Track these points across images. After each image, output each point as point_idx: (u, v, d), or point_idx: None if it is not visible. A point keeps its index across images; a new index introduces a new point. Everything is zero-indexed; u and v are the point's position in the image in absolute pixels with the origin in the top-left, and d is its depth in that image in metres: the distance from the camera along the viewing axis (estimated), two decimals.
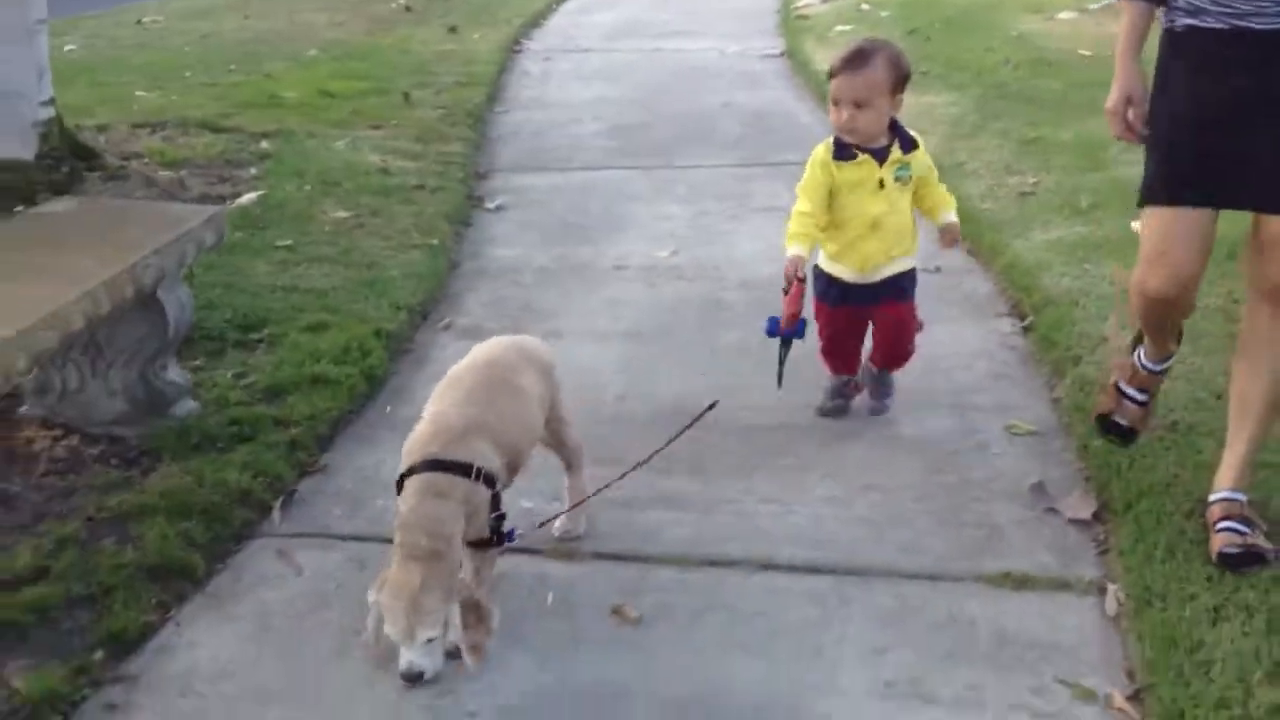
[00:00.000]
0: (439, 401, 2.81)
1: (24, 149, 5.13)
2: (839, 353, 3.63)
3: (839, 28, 10.23)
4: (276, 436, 3.48)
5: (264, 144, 6.31)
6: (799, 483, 3.36)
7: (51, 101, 5.28)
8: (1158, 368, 3.26)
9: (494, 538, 2.68)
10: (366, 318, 4.29)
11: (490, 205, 5.91)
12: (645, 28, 11.16)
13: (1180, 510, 3.04)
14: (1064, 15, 9.61)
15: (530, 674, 2.60)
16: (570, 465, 3.12)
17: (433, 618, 2.46)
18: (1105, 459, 3.35)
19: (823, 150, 3.41)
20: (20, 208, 4.89)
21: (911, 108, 7.12)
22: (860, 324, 3.58)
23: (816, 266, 3.50)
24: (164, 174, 5.62)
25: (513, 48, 10.09)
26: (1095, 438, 3.41)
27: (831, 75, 3.37)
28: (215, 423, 3.53)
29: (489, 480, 2.65)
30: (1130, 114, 2.87)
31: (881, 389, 3.71)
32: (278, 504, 3.23)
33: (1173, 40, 2.80)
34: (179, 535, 2.97)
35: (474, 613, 2.51)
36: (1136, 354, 3.27)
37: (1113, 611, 2.80)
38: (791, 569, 2.99)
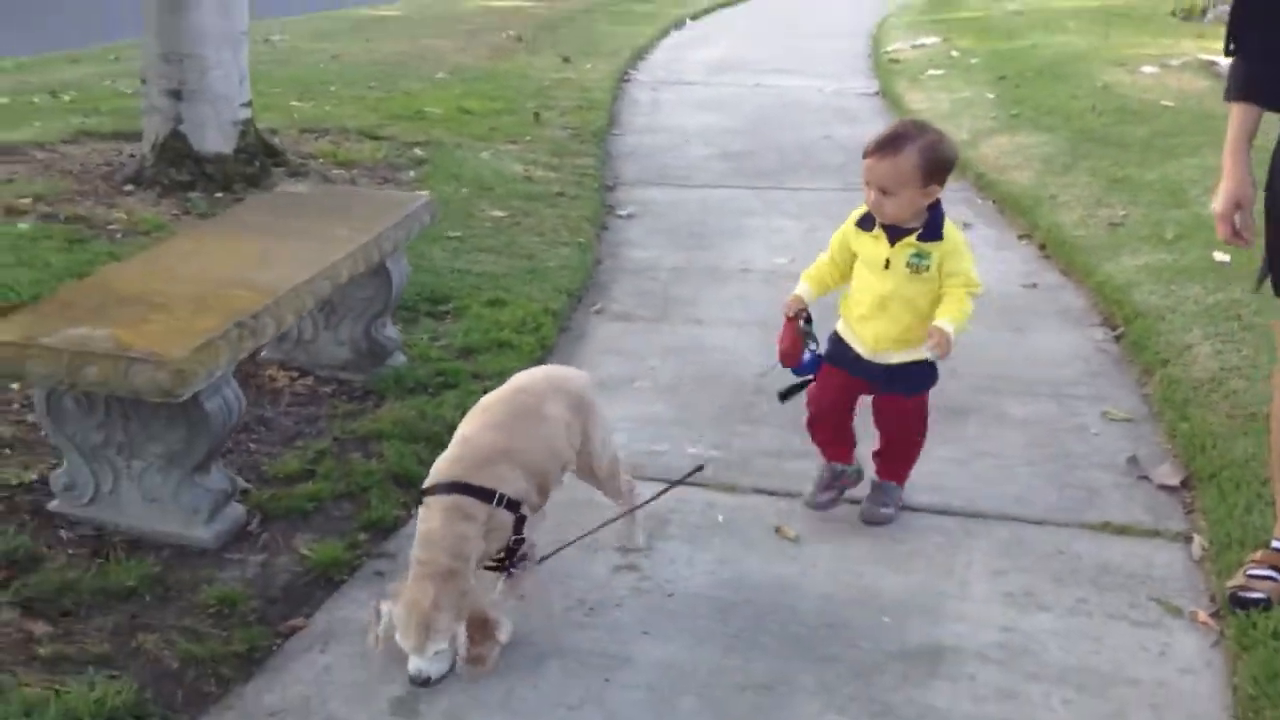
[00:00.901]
0: (467, 425, 2.90)
1: (225, 145, 5.81)
2: (826, 426, 3.42)
3: (931, 71, 10.81)
4: (474, 386, 4.08)
5: (417, 151, 6.98)
6: (926, 456, 3.90)
7: (249, 104, 5.96)
8: None
9: (507, 561, 2.82)
10: (534, 298, 4.91)
11: (622, 213, 6.53)
12: (745, 64, 11.80)
13: (1258, 479, 3.55)
14: (1147, 69, 10.11)
15: (712, 569, 3.18)
16: (611, 495, 3.18)
17: (442, 634, 2.60)
18: (1190, 440, 3.87)
19: (853, 213, 3.29)
20: (220, 194, 5.60)
21: (1005, 147, 7.84)
22: (854, 398, 3.40)
23: (834, 330, 3.38)
24: (337, 172, 6.29)
25: (622, 78, 10.76)
26: (1182, 422, 3.94)
27: (865, 155, 3.15)
28: (423, 373, 4.15)
29: (512, 506, 2.75)
30: (1238, 219, 2.78)
31: (883, 496, 3.47)
32: None
33: None
34: (412, 454, 3.57)
35: (481, 628, 2.65)
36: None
37: (1198, 555, 3.32)
38: (921, 510, 3.54)
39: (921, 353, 3.22)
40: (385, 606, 2.64)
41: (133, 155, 6.24)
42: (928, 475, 3.72)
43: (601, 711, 2.64)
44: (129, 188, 5.71)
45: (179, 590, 2.85)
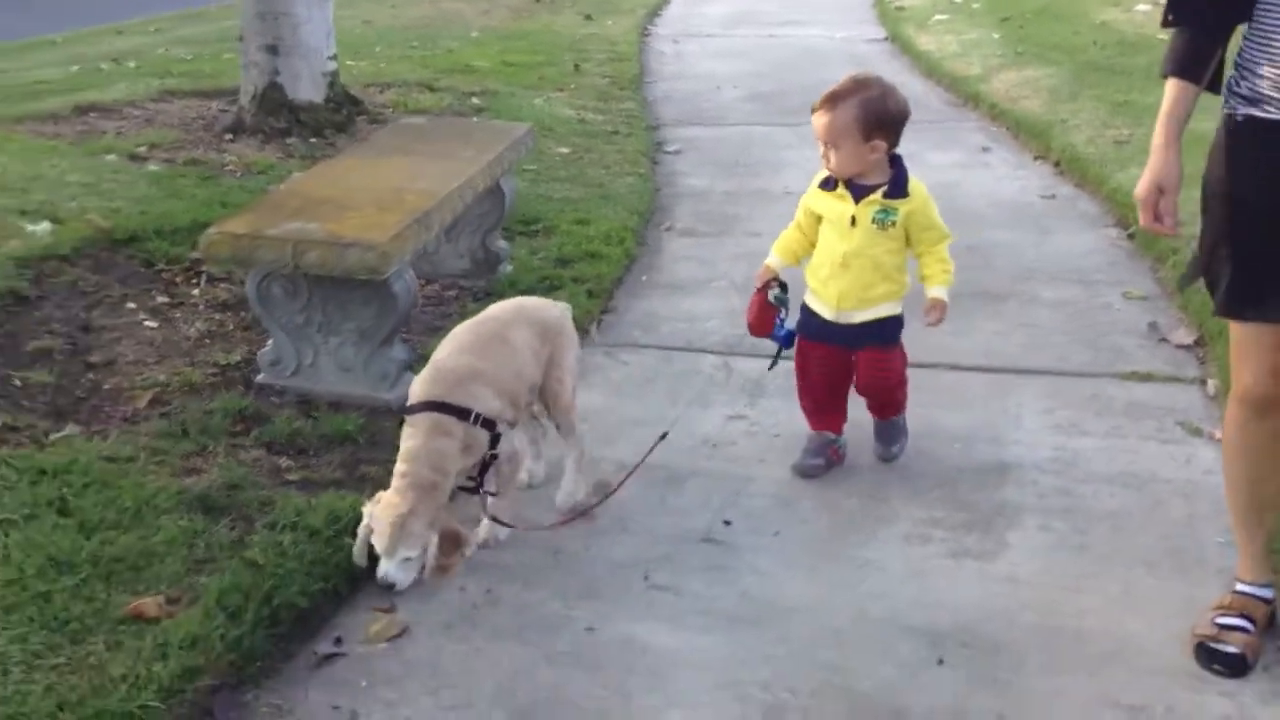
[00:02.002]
0: (440, 352, 3.07)
1: (316, 94, 6.41)
2: (813, 396, 3.49)
3: (937, 16, 11.39)
4: (576, 287, 4.69)
5: (475, 100, 7.57)
6: (967, 323, 4.53)
7: (334, 57, 6.55)
8: (1259, 591, 2.75)
9: (480, 479, 2.98)
10: (611, 218, 5.52)
11: (670, 149, 7.13)
12: (757, 16, 12.36)
13: None
14: (1141, 7, 10.70)
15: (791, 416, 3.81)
16: (560, 427, 3.28)
17: (414, 540, 2.76)
18: (1202, 309, 4.49)
19: (817, 175, 3.34)
20: (314, 139, 6.20)
21: (1014, 80, 8.46)
22: (838, 369, 3.42)
23: (803, 301, 3.43)
24: (410, 118, 6.87)
25: (643, 32, 11.34)
26: (1194, 294, 4.58)
27: (811, 111, 3.25)
28: (529, 279, 4.76)
29: (487, 424, 2.91)
30: (1161, 204, 2.57)
31: (887, 435, 3.55)
32: (594, 326, 4.46)
33: (1226, 132, 2.49)
34: None
35: (452, 541, 2.83)
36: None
37: (1212, 392, 3.96)
38: (972, 369, 4.18)
39: (886, 310, 3.30)
40: (368, 509, 2.82)
41: (224, 109, 6.83)
42: (976, 344, 4.37)
43: (738, 511, 3.28)
44: (229, 136, 6.30)
45: (383, 437, 3.47)
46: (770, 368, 3.60)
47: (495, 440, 2.95)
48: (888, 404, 3.49)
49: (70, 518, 2.87)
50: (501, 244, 4.84)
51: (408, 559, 2.78)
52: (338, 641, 2.70)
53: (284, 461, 3.30)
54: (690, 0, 13.74)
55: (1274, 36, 2.37)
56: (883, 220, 3.22)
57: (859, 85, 3.19)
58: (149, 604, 2.60)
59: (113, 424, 3.40)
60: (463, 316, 4.40)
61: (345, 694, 2.54)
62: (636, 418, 3.80)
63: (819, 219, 3.32)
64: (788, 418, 3.78)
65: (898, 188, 3.23)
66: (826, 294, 3.31)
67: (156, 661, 2.43)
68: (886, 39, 11.03)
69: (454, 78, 8.20)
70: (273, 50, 6.24)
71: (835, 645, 2.73)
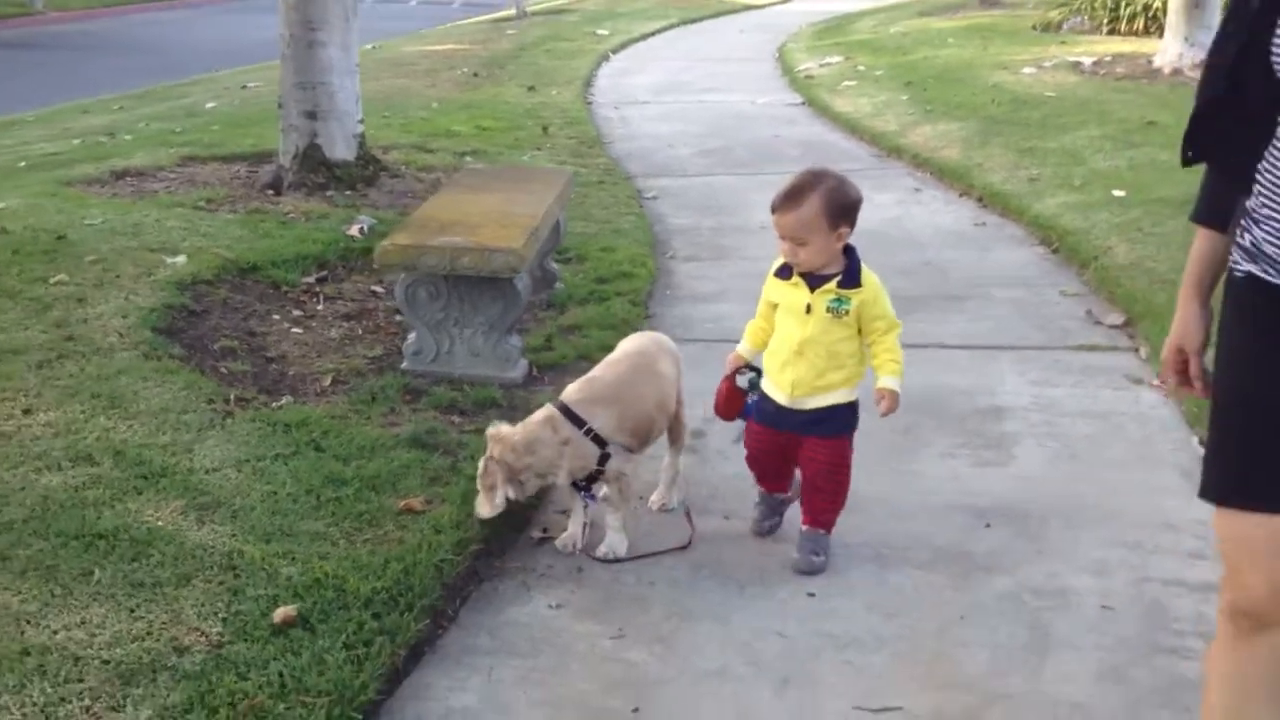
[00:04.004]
0: (600, 368, 3.61)
1: (349, 153, 7.30)
2: (764, 470, 3.56)
3: (846, 83, 12.69)
4: (618, 299, 5.64)
5: (469, 158, 8.52)
6: (943, 316, 5.60)
7: (361, 121, 7.46)
8: None
9: (586, 486, 3.43)
10: (628, 247, 6.51)
11: (649, 196, 8.16)
12: (682, 87, 13.54)
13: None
14: (1026, 70, 12.13)
15: None
16: (674, 441, 3.73)
17: (495, 487, 3.33)
18: (1128, 297, 5.63)
19: (774, 262, 3.38)
20: (349, 192, 7.09)
21: (930, 134, 9.74)
22: (786, 454, 3.46)
23: (762, 390, 3.48)
24: (423, 174, 7.80)
25: (586, 100, 12.40)
26: (1117, 288, 5.72)
27: (772, 210, 3.24)
28: (581, 293, 5.71)
29: (598, 440, 3.36)
30: (1189, 367, 2.30)
31: (811, 544, 3.45)
32: (644, 322, 5.42)
33: (1230, 288, 2.15)
34: (601, 337, 5.08)
35: (487, 485, 3.35)
36: None
37: (1144, 356, 5.07)
38: (957, 347, 5.23)
39: (838, 398, 3.34)
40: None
41: (252, 170, 7.67)
42: (954, 330, 5.43)
43: None
44: (270, 191, 7.14)
45: (518, 401, 4.37)
46: (735, 441, 3.75)
47: (604, 458, 3.39)
48: (825, 506, 3.46)
49: (324, 452, 3.73)
50: (554, 265, 5.78)
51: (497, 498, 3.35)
52: (544, 530, 3.61)
53: (454, 418, 4.19)
54: (614, 74, 14.88)
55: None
56: (837, 309, 3.26)
57: (816, 177, 3.23)
58: (414, 502, 3.48)
59: (311, 397, 4.25)
60: (535, 322, 5.36)
61: (559, 559, 3.45)
62: (700, 389, 4.75)
63: (774, 307, 3.40)
64: None
65: (851, 277, 3.27)
66: (781, 380, 3.36)
67: (435, 535, 3.31)
68: (803, 103, 12.26)
69: (441, 140, 9.14)
70: (311, 115, 7.11)
71: (910, 519, 3.72)
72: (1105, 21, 14.63)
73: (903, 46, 15.16)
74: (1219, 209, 2.20)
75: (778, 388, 3.37)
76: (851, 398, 3.37)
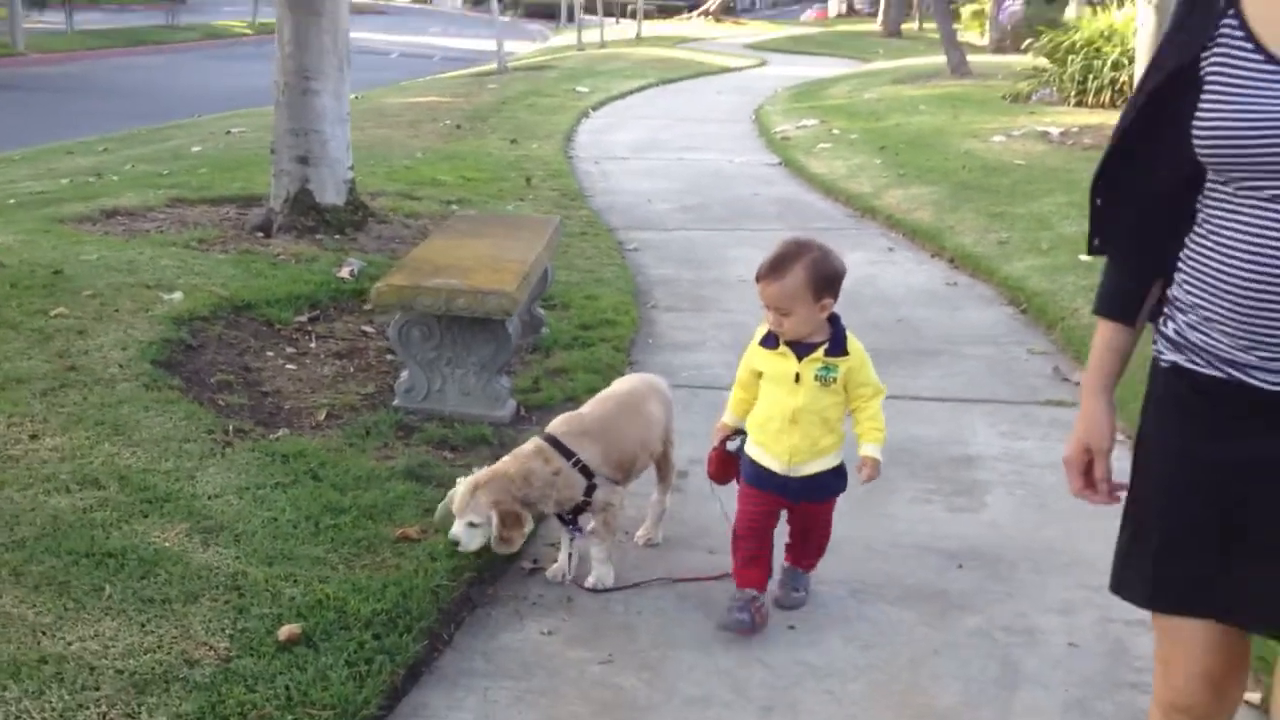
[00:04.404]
0: (587, 406, 3.79)
1: (339, 198, 7.47)
2: (748, 544, 3.47)
3: (821, 145, 12.99)
4: (602, 344, 5.80)
5: (454, 206, 8.70)
6: (916, 370, 5.79)
7: (351, 168, 7.63)
8: None
9: (571, 517, 3.56)
10: (611, 296, 6.68)
11: (630, 248, 8.35)
12: (659, 144, 13.82)
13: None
14: (996, 138, 12.47)
15: None
16: (662, 479, 3.90)
17: (478, 509, 3.37)
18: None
19: (758, 331, 3.42)
20: (337, 236, 7.25)
21: (902, 197, 10.02)
22: (774, 515, 3.51)
23: (746, 454, 3.48)
24: (410, 220, 7.97)
25: (567, 155, 12.64)
26: (1084, 348, 5.93)
27: (756, 279, 3.27)
28: (566, 338, 5.87)
29: (585, 472, 3.50)
30: (1097, 468, 2.17)
31: (795, 581, 3.61)
32: (628, 368, 5.57)
33: (1155, 378, 2.10)
34: (588, 379, 5.25)
35: (513, 520, 3.40)
36: None
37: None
38: (930, 399, 5.42)
39: (831, 462, 3.40)
40: (459, 482, 3.49)
41: (240, 212, 7.83)
42: (927, 383, 5.62)
43: None
44: (259, 234, 7.28)
45: (508, 439, 4.50)
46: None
47: (590, 489, 3.52)
48: (811, 552, 3.61)
49: (322, 482, 3.86)
50: (540, 311, 5.95)
51: (473, 524, 3.39)
52: (535, 561, 3.74)
53: (446, 453, 4.33)
54: (594, 130, 15.15)
55: (1207, 265, 1.95)
56: (824, 377, 3.31)
57: (800, 248, 3.26)
58: (411, 530, 3.61)
59: (307, 430, 4.38)
60: (522, 365, 5.51)
61: (550, 588, 3.59)
62: (683, 430, 4.91)
63: (759, 376, 3.41)
64: None
65: (837, 345, 3.32)
66: (778, 449, 3.37)
67: (431, 562, 3.44)
68: (780, 163, 12.54)
69: (426, 189, 9.32)
70: (304, 160, 7.28)
71: (885, 558, 3.88)
72: (1073, 94, 15.03)
73: (876, 112, 15.52)
74: (1127, 301, 2.14)
75: (772, 455, 3.38)
76: (840, 460, 3.45)
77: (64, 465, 3.79)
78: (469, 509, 3.41)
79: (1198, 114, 1.91)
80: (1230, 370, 1.94)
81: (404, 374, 4.78)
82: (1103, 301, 2.18)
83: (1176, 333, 2.02)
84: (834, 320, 3.35)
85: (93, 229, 7.25)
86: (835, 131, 14.00)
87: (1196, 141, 1.92)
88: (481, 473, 3.48)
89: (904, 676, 3.24)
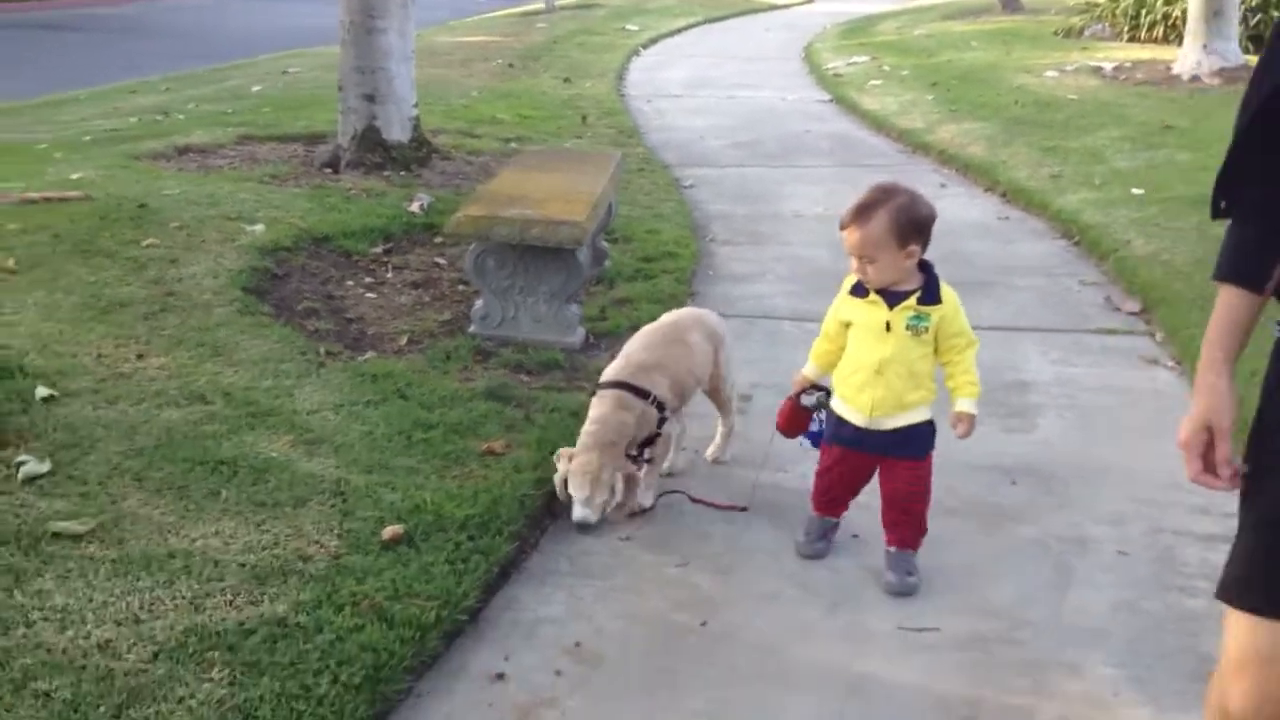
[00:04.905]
0: (630, 346, 3.82)
1: (404, 135, 7.67)
2: (829, 494, 3.50)
3: (872, 82, 13.03)
4: (665, 276, 6.00)
5: (514, 144, 8.88)
6: (974, 301, 5.93)
7: (416, 105, 7.82)
8: None
9: (641, 453, 3.64)
10: (671, 230, 6.86)
11: (685, 184, 8.51)
12: (712, 81, 13.91)
13: (1185, 300, 5.65)
14: (1049, 74, 12.47)
15: None
16: (721, 408, 4.04)
17: (605, 488, 3.48)
18: (1145, 286, 5.97)
19: (846, 281, 3.32)
20: (403, 173, 7.45)
21: (955, 132, 10.09)
22: (862, 474, 3.45)
23: (831, 409, 3.43)
24: (473, 158, 8.17)
25: (620, 93, 12.76)
26: (1134, 278, 6.06)
27: (841, 227, 3.19)
28: (630, 269, 6.06)
29: (659, 405, 3.62)
30: (1218, 450, 1.93)
31: (902, 564, 3.41)
32: (689, 299, 5.77)
33: (1275, 354, 1.94)
34: (653, 309, 5.46)
35: (630, 482, 3.54)
36: None
37: (1159, 340, 5.41)
38: (985, 329, 5.53)
39: (918, 416, 3.31)
40: (561, 465, 3.56)
41: (308, 149, 8.05)
42: (982, 313, 5.75)
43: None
44: (328, 170, 7.50)
45: (578, 363, 4.73)
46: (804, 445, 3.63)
47: (662, 421, 3.68)
48: (910, 525, 3.43)
49: (410, 400, 4.11)
50: (604, 244, 6.14)
51: (600, 501, 3.52)
52: None
53: (522, 377, 4.55)
54: (647, 67, 15.25)
55: None
56: (916, 326, 3.21)
57: (886, 193, 3.17)
58: (496, 445, 3.85)
59: (391, 354, 4.62)
60: (588, 295, 5.72)
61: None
62: (743, 359, 5.11)
63: (847, 326, 3.32)
64: None
65: (930, 294, 3.22)
66: (859, 401, 3.29)
67: (516, 474, 3.67)
68: (832, 100, 12.61)
69: (485, 127, 9.50)
70: (370, 98, 7.48)
71: (943, 474, 4.05)
72: (1126, 29, 14.95)
73: (927, 48, 15.50)
74: (1253, 266, 1.92)
75: (854, 408, 3.30)
76: (929, 415, 3.34)
77: (171, 382, 4.06)
78: (597, 492, 3.49)
79: None
80: None
81: (479, 302, 5.00)
82: (1227, 266, 1.96)
83: None
84: (926, 267, 3.24)
85: (168, 165, 7.50)
86: (886, 68, 14.02)
87: None
88: (585, 450, 3.51)
89: (962, 580, 3.45)
